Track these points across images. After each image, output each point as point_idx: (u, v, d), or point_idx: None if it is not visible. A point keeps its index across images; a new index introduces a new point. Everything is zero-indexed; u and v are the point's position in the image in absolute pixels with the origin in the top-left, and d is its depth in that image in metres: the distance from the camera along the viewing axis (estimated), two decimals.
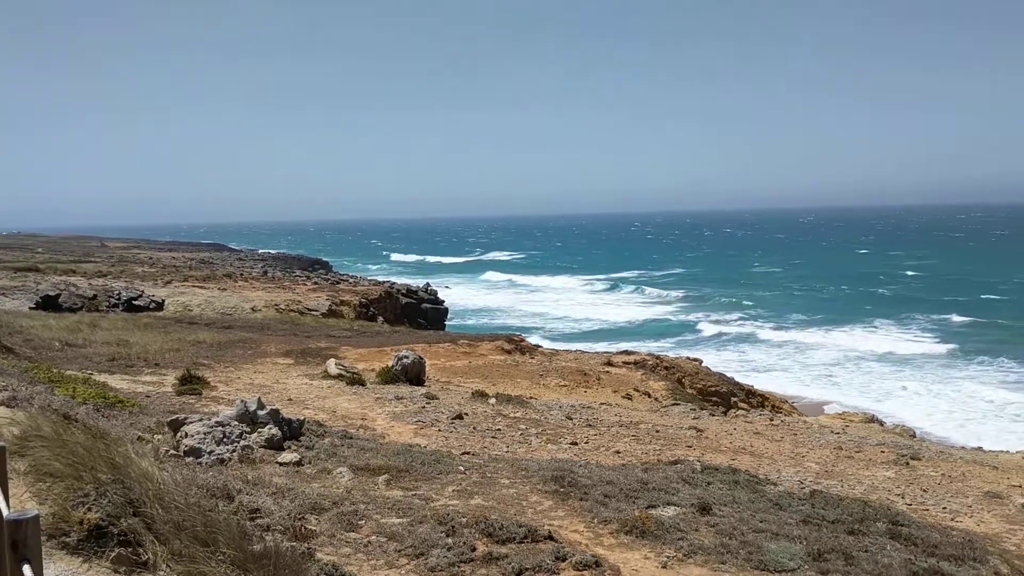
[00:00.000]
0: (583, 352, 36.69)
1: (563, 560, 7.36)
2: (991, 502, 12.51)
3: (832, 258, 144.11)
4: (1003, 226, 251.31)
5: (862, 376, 48.47)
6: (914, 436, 23.98)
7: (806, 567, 7.93)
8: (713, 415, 23.73)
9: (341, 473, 9.84)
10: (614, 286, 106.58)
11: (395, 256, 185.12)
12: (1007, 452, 21.92)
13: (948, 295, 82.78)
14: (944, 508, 11.86)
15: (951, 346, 55.67)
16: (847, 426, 23.58)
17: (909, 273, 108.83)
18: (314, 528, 7.70)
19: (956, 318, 67.92)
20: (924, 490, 13.07)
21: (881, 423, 26.83)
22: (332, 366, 20.81)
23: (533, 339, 43.63)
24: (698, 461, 12.70)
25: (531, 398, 20.77)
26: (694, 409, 23.98)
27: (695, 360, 35.40)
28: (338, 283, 68.99)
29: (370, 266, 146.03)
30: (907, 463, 15.64)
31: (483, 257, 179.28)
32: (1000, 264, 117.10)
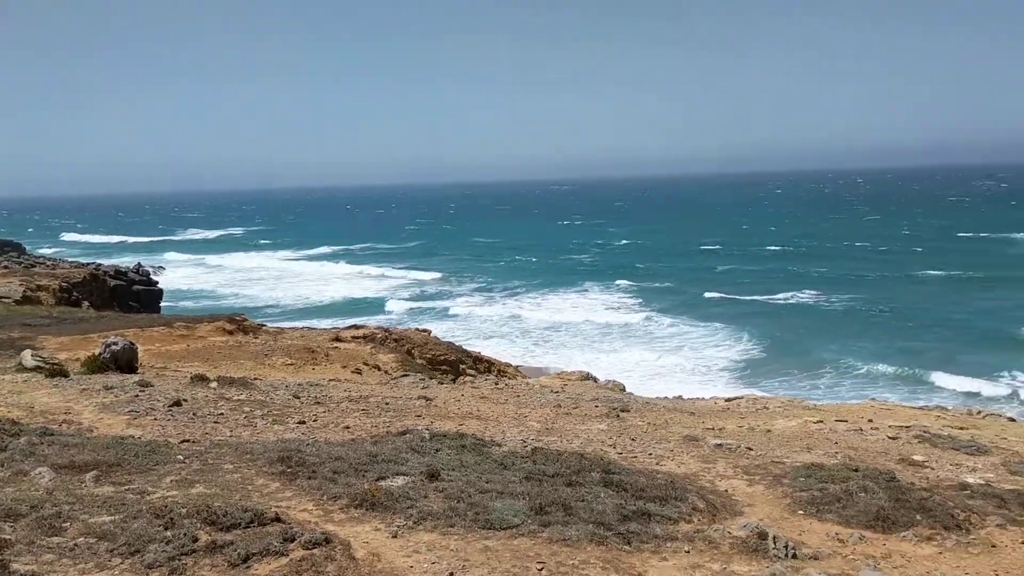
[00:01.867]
0: (311, 329, 36.03)
1: (292, 541, 7.21)
2: (689, 445, 13.80)
3: (547, 228, 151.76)
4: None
5: (576, 338, 51.67)
6: (624, 390, 25.89)
7: (529, 521, 8.33)
8: (442, 383, 24.22)
9: (40, 473, 8.98)
10: (342, 259, 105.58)
11: (69, 236, 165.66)
12: (703, 399, 24.34)
13: (645, 262, 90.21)
14: (650, 454, 12.91)
15: (650, 309, 60.80)
16: (566, 385, 25.02)
17: (618, 243, 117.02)
18: (8, 537, 6.97)
19: (655, 284, 74.20)
20: (633, 439, 14.15)
21: (595, 380, 28.70)
22: (28, 357, 18.87)
23: (258, 319, 42.16)
24: (427, 429, 12.91)
25: (256, 379, 20.08)
26: (423, 379, 24.34)
27: (424, 331, 35.90)
28: (33, 266, 62.81)
29: (43, 249, 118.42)
30: (618, 415, 16.86)
31: (174, 237, 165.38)
32: (685, 235, 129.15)
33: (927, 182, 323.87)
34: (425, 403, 17.21)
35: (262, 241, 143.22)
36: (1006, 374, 38.61)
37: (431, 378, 25.62)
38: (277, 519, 7.79)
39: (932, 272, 71.34)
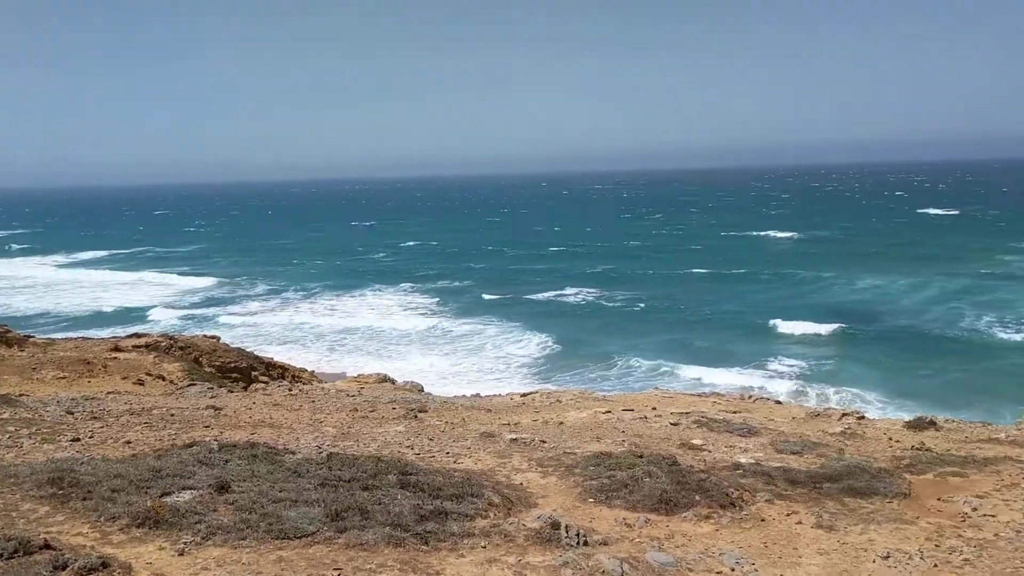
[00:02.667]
0: (87, 339, 33.54)
1: (63, 568, 6.70)
2: (486, 441, 14.02)
3: (340, 231, 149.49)
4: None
5: (372, 341, 51.25)
6: (422, 391, 25.96)
7: (325, 528, 8.17)
8: (232, 391, 23.30)
9: None
10: (118, 264, 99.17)
11: None
12: (499, 395, 24.81)
13: (437, 263, 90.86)
14: (448, 452, 13.01)
15: (445, 310, 61.35)
16: (363, 388, 24.74)
17: (408, 244, 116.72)
18: None
19: (450, 284, 74.89)
20: (431, 439, 14.20)
21: (393, 381, 28.59)
22: None
23: (26, 330, 38.79)
24: (215, 440, 12.36)
25: (22, 395, 18.50)
26: (212, 388, 23.31)
27: (212, 337, 34.36)
28: None
29: None
30: (416, 416, 16.88)
31: None
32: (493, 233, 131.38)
33: (705, 184, 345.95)
34: (214, 413, 16.48)
35: (16, 246, 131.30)
36: (772, 359, 41.92)
37: (220, 387, 24.57)
38: (47, 546, 7.20)
39: (701, 270, 76.35)
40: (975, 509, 10.75)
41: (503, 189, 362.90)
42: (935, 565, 8.76)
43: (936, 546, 9.36)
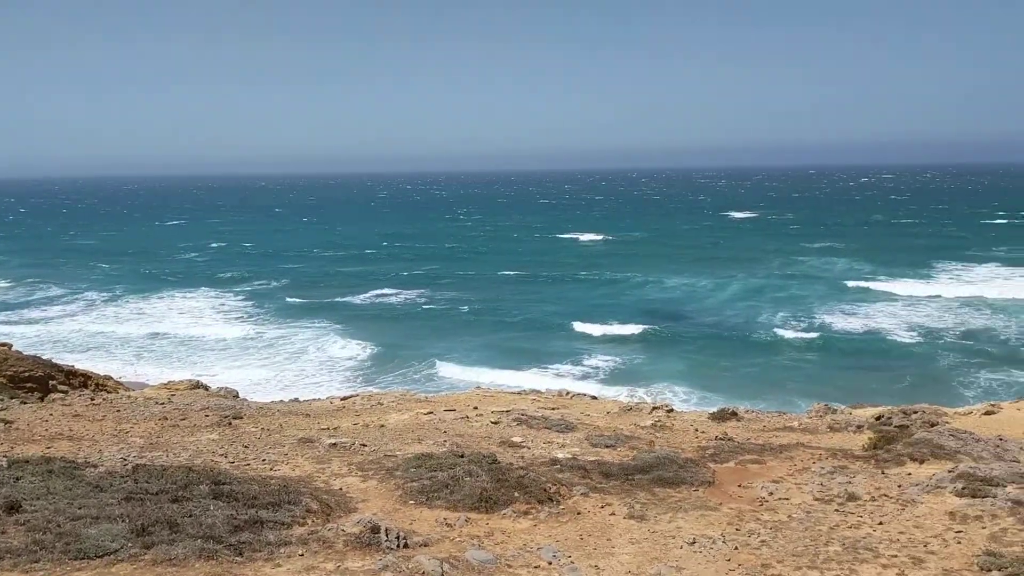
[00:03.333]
0: None
1: None
2: (304, 447, 13.70)
3: (149, 231, 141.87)
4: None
5: (183, 347, 48.97)
6: (237, 396, 25.03)
7: (130, 545, 7.73)
8: (26, 403, 21.59)
9: None
10: None
11: None
12: (319, 399, 24.30)
13: (251, 265, 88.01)
14: (264, 460, 12.62)
15: (260, 313, 59.53)
16: (173, 395, 23.56)
17: (213, 245, 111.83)
18: None
19: (268, 285, 72.71)
20: (246, 446, 13.72)
21: (206, 388, 27.41)
22: None
23: None
24: (4, 457, 11.43)
25: None
26: (2, 400, 21.52)
27: (3, 345, 31.75)
28: None
29: None
30: (230, 423, 16.26)
31: None
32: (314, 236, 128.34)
33: (524, 184, 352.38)
34: (3, 427, 15.24)
35: None
36: (587, 357, 43.28)
37: (12, 398, 22.72)
38: None
39: (516, 272, 77.50)
40: (771, 494, 11.53)
41: (329, 189, 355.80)
42: (736, 548, 9.33)
43: (737, 530, 9.96)
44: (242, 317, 58.33)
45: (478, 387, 25.83)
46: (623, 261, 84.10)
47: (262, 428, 15.91)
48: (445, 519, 9.90)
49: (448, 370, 41.85)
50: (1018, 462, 13.76)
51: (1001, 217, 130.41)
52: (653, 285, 68.73)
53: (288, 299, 64.81)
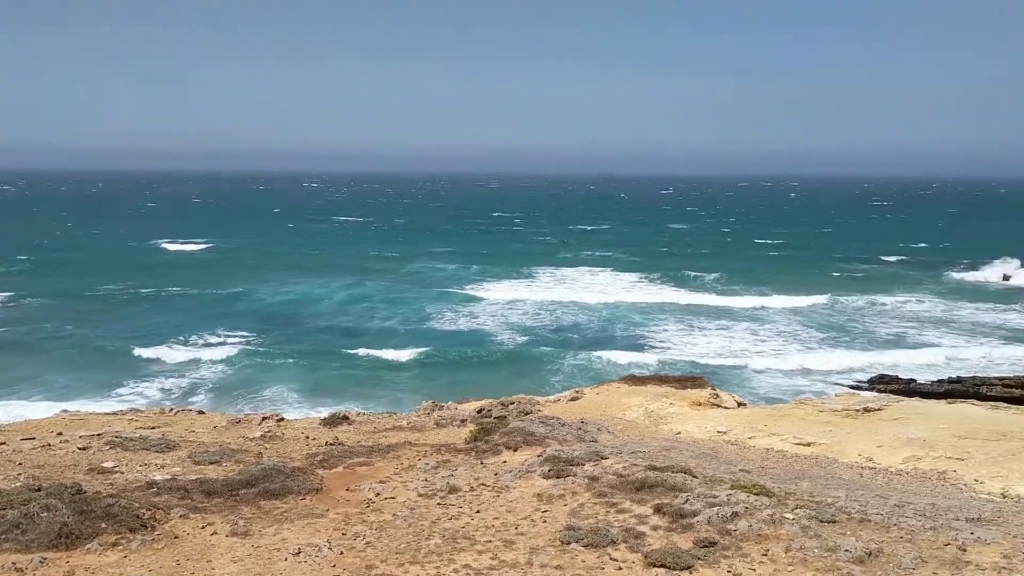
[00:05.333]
0: None
1: None
2: None
3: None
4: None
5: None
6: None
7: None
8: None
9: None
10: None
11: None
12: None
13: None
14: None
15: None
16: None
17: None
18: None
19: None
20: None
21: None
22: None
23: None
24: None
25: None
26: None
27: None
28: None
29: None
30: None
31: None
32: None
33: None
34: None
35: None
36: (196, 369, 40.92)
37: None
38: None
39: (112, 287, 69.45)
40: (378, 494, 11.70)
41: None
42: (341, 553, 9.30)
43: (343, 534, 9.95)
44: None
45: (65, 410, 23.31)
46: (228, 271, 79.32)
47: None
48: (15, 563, 8.73)
49: (31, 399, 37.11)
50: (596, 441, 15.40)
51: (586, 224, 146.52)
52: (264, 292, 66.60)
53: None
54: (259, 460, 13.89)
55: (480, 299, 63.84)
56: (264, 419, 19.08)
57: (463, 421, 18.15)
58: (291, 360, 43.41)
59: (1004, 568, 8.21)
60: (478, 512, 10.62)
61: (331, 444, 15.59)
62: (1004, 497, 11.87)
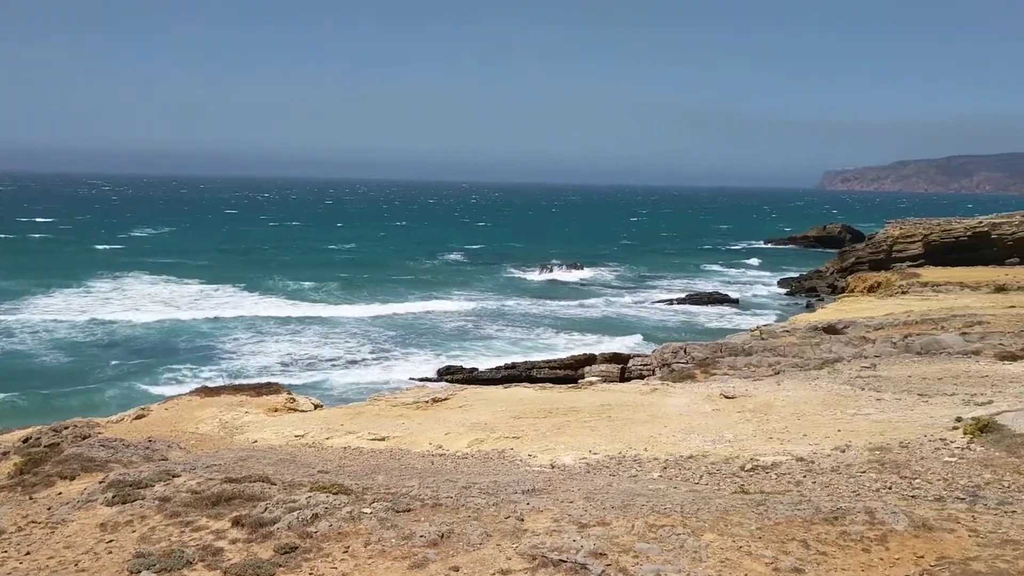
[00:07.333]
0: None
1: None
2: None
3: None
4: None
5: None
6: None
7: None
8: None
9: None
10: None
11: None
12: None
13: None
14: None
15: None
16: None
17: None
18: None
19: None
20: None
21: None
22: None
23: None
24: None
25: None
26: None
27: None
28: None
29: None
30: None
31: None
32: None
33: None
34: None
35: None
36: None
37: None
38: None
39: None
40: None
41: None
42: None
43: None
44: None
45: None
46: None
47: None
48: None
49: None
50: (166, 460, 14.45)
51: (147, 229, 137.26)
52: None
53: None
54: None
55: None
56: None
57: (5, 454, 15.99)
58: None
59: (554, 531, 9.16)
60: (28, 554, 9.41)
61: None
62: (552, 467, 13.31)
